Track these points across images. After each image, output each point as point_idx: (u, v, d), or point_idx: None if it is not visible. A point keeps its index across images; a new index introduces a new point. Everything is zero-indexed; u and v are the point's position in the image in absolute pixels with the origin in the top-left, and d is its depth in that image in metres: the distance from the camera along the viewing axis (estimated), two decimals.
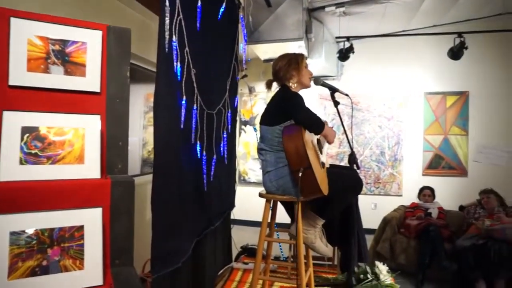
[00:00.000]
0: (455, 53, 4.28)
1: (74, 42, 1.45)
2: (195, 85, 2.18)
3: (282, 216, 2.38)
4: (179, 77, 1.98)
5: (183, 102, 2.03)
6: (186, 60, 2.05)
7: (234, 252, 3.52)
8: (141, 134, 3.79)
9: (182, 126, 2.03)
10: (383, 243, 3.97)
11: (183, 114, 2.03)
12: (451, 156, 5.42)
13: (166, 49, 1.83)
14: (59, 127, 1.38)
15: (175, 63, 1.93)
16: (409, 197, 4.98)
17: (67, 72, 1.43)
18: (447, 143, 5.43)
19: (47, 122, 1.36)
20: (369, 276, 2.42)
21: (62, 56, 1.43)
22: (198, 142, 2.27)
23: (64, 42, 1.43)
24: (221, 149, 2.77)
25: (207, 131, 2.41)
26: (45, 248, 1.23)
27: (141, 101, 3.80)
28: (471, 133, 5.36)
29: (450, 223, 4.14)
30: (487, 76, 5.31)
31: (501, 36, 4.80)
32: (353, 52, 4.50)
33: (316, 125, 2.01)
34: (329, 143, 2.17)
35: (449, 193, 5.14)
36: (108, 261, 1.36)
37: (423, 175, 5.46)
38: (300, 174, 1.86)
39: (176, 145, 2.00)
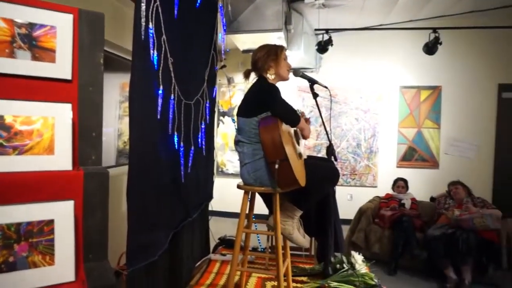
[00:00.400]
0: (430, 48, 4.38)
1: (42, 26, 1.37)
2: (172, 74, 2.12)
3: (261, 207, 2.38)
4: (155, 66, 1.92)
5: (160, 91, 1.98)
6: (163, 48, 1.99)
7: (212, 244, 3.50)
8: (116, 125, 3.69)
9: (159, 117, 1.97)
10: (359, 233, 4.06)
11: (159, 104, 1.97)
12: (424, 148, 5.58)
13: (142, 37, 1.77)
14: (26, 115, 1.30)
15: (151, 52, 1.87)
16: (384, 188, 5.11)
17: (34, 58, 1.35)
18: (421, 136, 5.58)
19: (13, 111, 1.29)
20: (345, 265, 2.46)
21: (29, 40, 1.35)
22: (175, 133, 2.22)
23: (31, 26, 1.35)
24: (199, 140, 2.73)
25: (184, 122, 2.37)
26: (11, 244, 1.17)
27: (116, 91, 3.68)
28: (443, 126, 5.53)
29: (422, 213, 4.28)
30: (459, 71, 5.47)
31: (473, 32, 4.95)
32: (332, 45, 4.52)
33: (292, 117, 2.01)
34: (304, 138, 2.17)
35: (422, 185, 5.31)
36: (81, 256, 1.31)
37: (397, 167, 5.61)
38: (276, 166, 1.86)
39: (153, 135, 1.95)
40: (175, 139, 2.22)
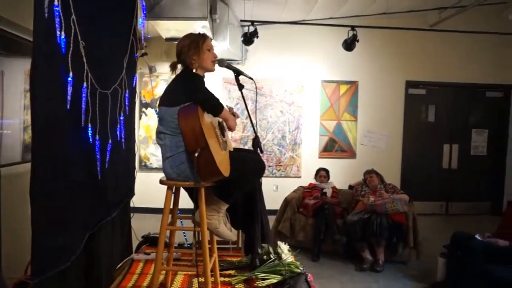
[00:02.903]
0: (349, 45, 4.64)
1: None
2: (84, 60, 1.91)
3: (187, 201, 2.30)
4: (63, 49, 1.70)
5: (69, 78, 1.76)
6: (73, 30, 1.78)
7: (135, 243, 3.30)
8: (21, 116, 3.25)
9: (68, 107, 1.76)
10: (284, 223, 4.18)
11: (69, 92, 1.76)
12: (343, 140, 5.95)
13: (46, 14, 1.55)
14: None
15: (58, 32, 1.65)
16: (307, 178, 5.34)
17: None
18: (340, 128, 5.94)
19: None
20: (272, 256, 2.50)
21: None
22: (89, 125, 2.01)
23: None
24: (118, 133, 2.52)
25: (100, 113, 2.16)
26: None
27: (21, 78, 3.23)
28: (359, 119, 5.95)
29: (342, 201, 4.57)
30: (373, 68, 5.92)
31: (386, 32, 5.37)
32: (257, 37, 4.54)
33: (213, 106, 1.94)
34: (230, 129, 2.13)
35: (341, 174, 5.66)
36: None
37: (319, 157, 5.90)
38: (196, 155, 1.79)
39: (61, 128, 1.74)
40: (90, 132, 2.01)
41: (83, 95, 1.92)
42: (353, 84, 5.91)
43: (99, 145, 2.11)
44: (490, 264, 2.93)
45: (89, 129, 2.00)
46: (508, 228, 3.22)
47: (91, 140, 2.03)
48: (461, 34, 5.20)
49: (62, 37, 1.68)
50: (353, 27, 4.54)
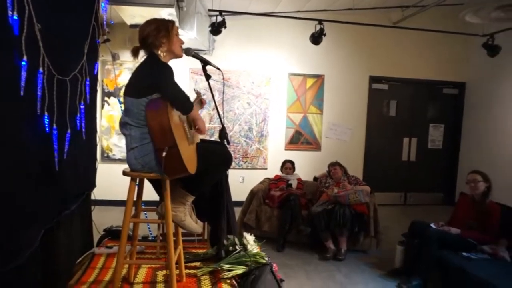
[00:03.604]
0: (316, 39, 4.69)
1: None
2: (40, 43, 1.79)
3: (152, 193, 2.24)
4: (16, 32, 1.59)
5: (23, 63, 1.65)
6: (27, 11, 1.66)
7: (97, 237, 3.19)
8: None
9: (22, 93, 1.65)
10: (250, 214, 4.20)
11: (23, 78, 1.65)
12: (309, 132, 6.05)
13: None
14: None
15: (9, 13, 1.53)
16: (274, 170, 5.39)
17: None
18: (306, 121, 6.03)
19: None
20: (237, 247, 2.50)
21: None
22: (46, 114, 1.90)
23: None
24: (78, 122, 2.40)
25: (58, 101, 2.04)
26: None
27: None
28: (325, 112, 6.07)
29: (307, 192, 4.66)
30: (339, 62, 6.04)
31: (351, 28, 5.46)
32: (225, 27, 4.48)
33: (183, 104, 1.89)
34: (199, 132, 2.08)
35: (307, 166, 5.76)
36: None
37: (285, 149, 5.96)
38: (164, 154, 1.74)
39: (13, 115, 1.63)
40: (46, 120, 1.90)
41: (39, 81, 1.81)
42: (319, 78, 6.00)
43: (56, 134, 2.00)
44: (443, 251, 3.11)
45: (46, 117, 1.89)
46: (460, 217, 3.43)
47: (47, 129, 1.92)
48: (422, 33, 5.42)
49: (15, 17, 1.56)
50: (320, 21, 4.59)
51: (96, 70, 2.78)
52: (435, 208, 6.19)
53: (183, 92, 1.89)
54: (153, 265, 2.56)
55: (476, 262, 2.96)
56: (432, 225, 3.35)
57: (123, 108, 1.96)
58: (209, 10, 4.67)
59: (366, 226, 3.95)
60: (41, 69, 1.81)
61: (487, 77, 5.93)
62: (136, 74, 1.93)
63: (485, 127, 5.91)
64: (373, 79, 6.20)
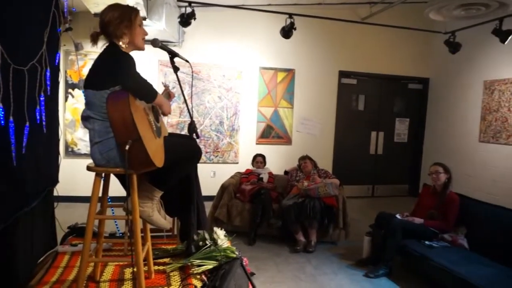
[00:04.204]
0: (286, 32, 4.70)
1: None
2: None
3: (119, 188, 2.17)
4: None
5: None
6: None
7: (61, 234, 3.07)
8: None
9: None
10: (221, 209, 4.18)
11: None
12: (280, 126, 6.08)
13: None
14: None
15: None
16: (245, 164, 5.39)
17: None
18: (277, 115, 6.06)
19: None
20: (207, 242, 2.48)
21: None
22: (1, 106, 1.79)
23: None
24: (37, 115, 2.28)
25: (15, 92, 1.92)
26: None
27: None
28: (295, 106, 6.12)
29: (278, 186, 4.69)
30: (309, 57, 6.09)
31: (321, 22, 5.52)
32: (195, 19, 4.40)
33: (146, 93, 1.82)
34: (164, 114, 2.03)
35: (277, 160, 5.81)
36: None
37: (256, 143, 5.97)
38: (127, 147, 1.67)
39: None
40: (1, 112, 1.79)
41: None
42: (290, 72, 6.03)
43: (13, 127, 1.89)
44: (407, 240, 3.24)
45: (1, 109, 1.78)
46: (423, 207, 3.58)
47: (2, 122, 1.80)
48: (388, 29, 5.56)
49: None
50: (290, 15, 4.60)
51: (57, 60, 2.64)
52: (401, 199, 6.43)
53: (144, 80, 1.82)
54: (121, 263, 2.49)
55: (437, 250, 3.11)
56: (397, 215, 3.47)
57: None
58: (178, 0, 4.56)
59: (335, 218, 4.03)
60: None
61: (449, 73, 6.19)
62: (95, 65, 1.83)
63: (447, 121, 6.19)
64: (342, 74, 6.31)
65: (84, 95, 1.82)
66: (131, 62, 1.76)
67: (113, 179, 2.10)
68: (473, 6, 3.20)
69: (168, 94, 2.28)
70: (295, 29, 4.65)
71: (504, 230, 3.07)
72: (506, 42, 4.50)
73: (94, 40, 1.85)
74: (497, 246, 3.08)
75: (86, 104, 1.81)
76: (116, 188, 2.21)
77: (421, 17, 4.63)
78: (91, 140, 1.83)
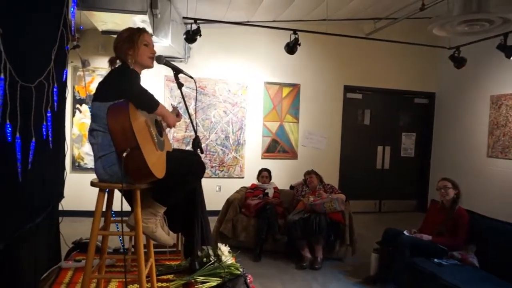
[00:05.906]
0: (291, 48, 4.73)
1: None
2: (1, 48, 1.71)
3: (124, 202, 2.17)
4: None
5: None
6: None
7: (65, 249, 3.06)
8: None
9: None
10: (226, 224, 4.14)
11: None
12: (285, 141, 6.07)
13: None
14: None
15: None
16: (250, 179, 5.36)
17: None
18: (282, 129, 6.06)
19: None
20: (211, 258, 2.46)
21: None
22: (8, 122, 1.81)
23: None
24: (44, 131, 2.31)
25: (22, 109, 1.95)
26: None
27: None
28: (301, 121, 6.12)
29: (283, 201, 4.65)
30: (314, 72, 6.12)
31: (326, 38, 5.56)
32: (200, 35, 4.45)
33: (148, 101, 1.84)
34: (169, 126, 2.06)
35: (283, 174, 5.77)
36: None
37: (262, 158, 5.95)
38: (125, 154, 1.68)
39: None
40: (8, 129, 1.81)
41: (1, 88, 1.73)
42: (295, 87, 6.06)
43: (19, 144, 1.91)
44: (416, 258, 3.17)
45: (8, 126, 1.80)
46: (431, 223, 3.51)
47: (9, 138, 1.83)
48: (393, 44, 5.59)
49: None
50: (295, 31, 4.64)
51: (65, 77, 2.69)
52: (408, 215, 6.32)
53: (145, 90, 1.84)
54: (123, 279, 2.46)
55: (447, 268, 3.03)
56: (405, 232, 3.41)
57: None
58: (184, 18, 4.64)
59: (342, 234, 3.97)
60: (2, 75, 1.73)
61: (454, 87, 6.16)
62: (104, 79, 1.92)
63: (454, 135, 6.13)
64: (348, 89, 6.32)
65: (91, 108, 1.86)
66: (134, 75, 1.83)
67: (118, 194, 2.10)
68: (477, 22, 3.20)
69: (176, 115, 2.30)
70: (299, 45, 4.69)
71: None
72: None
73: (112, 63, 1.96)
74: (507, 264, 2.99)
75: (92, 116, 1.86)
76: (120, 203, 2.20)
77: (425, 32, 4.65)
78: (95, 155, 1.85)
